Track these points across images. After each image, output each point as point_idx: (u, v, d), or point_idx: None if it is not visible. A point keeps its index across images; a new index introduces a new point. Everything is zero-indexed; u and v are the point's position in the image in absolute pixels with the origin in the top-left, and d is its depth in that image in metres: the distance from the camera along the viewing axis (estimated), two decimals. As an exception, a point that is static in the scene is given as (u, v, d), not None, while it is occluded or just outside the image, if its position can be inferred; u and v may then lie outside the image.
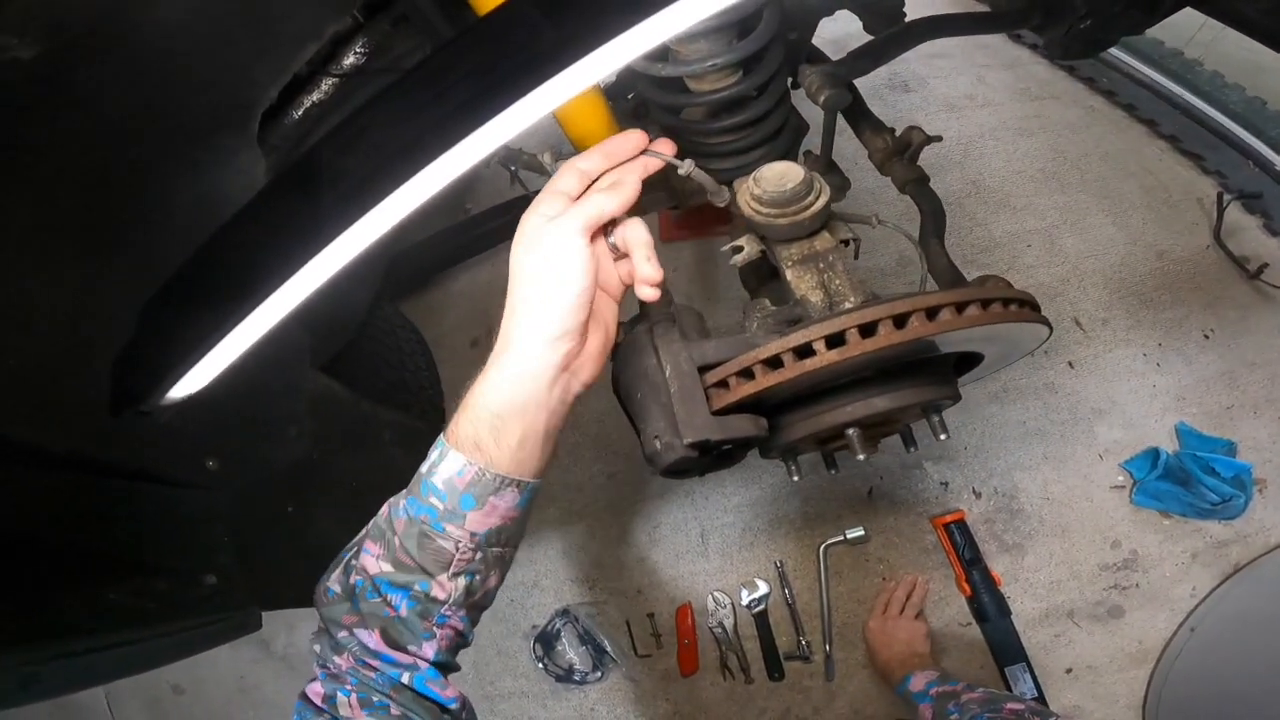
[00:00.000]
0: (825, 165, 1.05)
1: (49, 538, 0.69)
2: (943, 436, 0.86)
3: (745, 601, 1.51)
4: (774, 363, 0.73)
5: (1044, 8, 1.11)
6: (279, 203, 0.51)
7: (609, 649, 1.52)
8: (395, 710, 0.55)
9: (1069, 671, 1.42)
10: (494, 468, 0.55)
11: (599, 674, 1.53)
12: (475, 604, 0.61)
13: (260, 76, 0.76)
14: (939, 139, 1.06)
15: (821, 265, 0.84)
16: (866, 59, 1.03)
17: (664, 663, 1.53)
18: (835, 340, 0.71)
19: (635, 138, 0.61)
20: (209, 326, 0.50)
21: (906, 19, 1.15)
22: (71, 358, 0.68)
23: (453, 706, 0.60)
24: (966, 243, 1.67)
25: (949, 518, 1.46)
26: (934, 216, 1.04)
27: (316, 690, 0.58)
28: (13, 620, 0.63)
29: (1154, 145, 1.75)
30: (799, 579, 1.52)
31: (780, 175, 0.82)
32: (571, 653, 1.53)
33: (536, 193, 0.58)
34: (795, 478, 0.95)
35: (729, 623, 1.51)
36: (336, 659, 0.58)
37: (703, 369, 0.78)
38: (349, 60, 0.92)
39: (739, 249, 0.86)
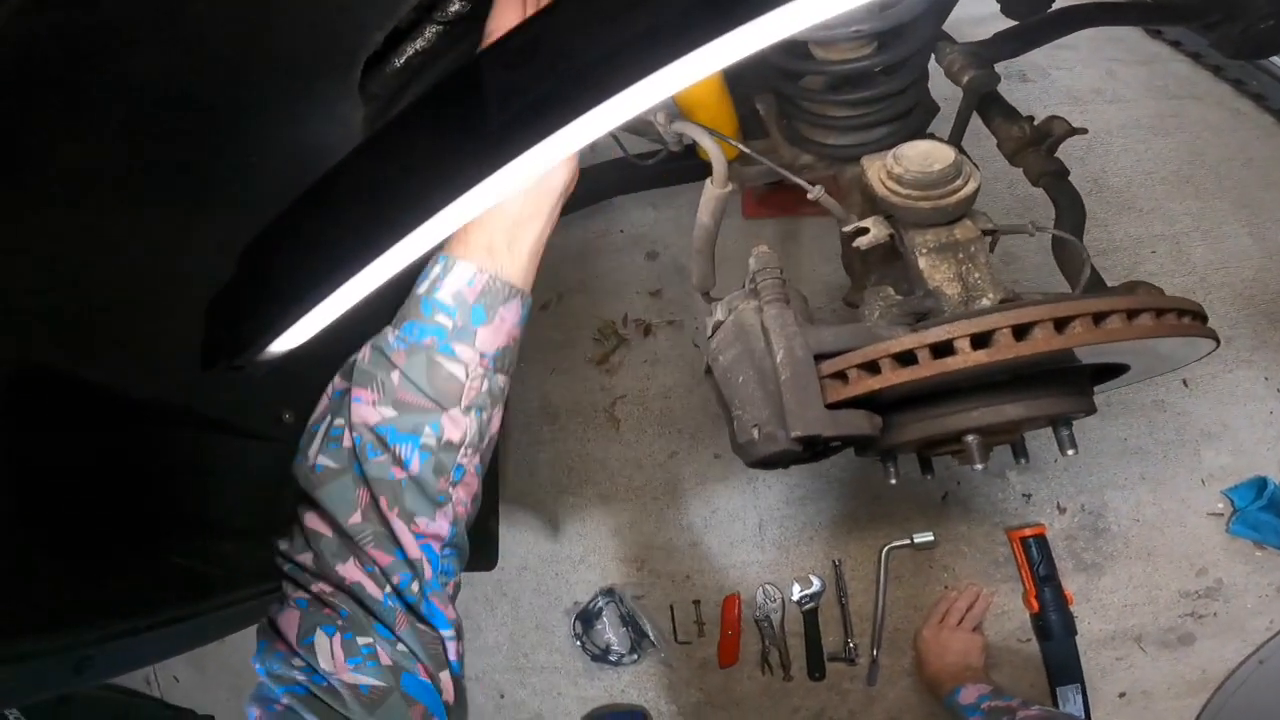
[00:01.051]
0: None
1: (112, 496, 0.64)
2: (1070, 452, 0.79)
3: (796, 597, 1.46)
4: (905, 359, 0.66)
5: (1226, 4, 0.99)
6: (421, 129, 0.44)
7: (649, 632, 1.49)
8: (386, 659, 0.49)
9: (1122, 696, 1.36)
10: (504, 275, 0.54)
11: (635, 656, 1.50)
12: (484, 455, 0.57)
13: (367, 20, 0.70)
14: (1084, 131, 0.97)
15: (960, 256, 0.77)
16: (1015, 42, 0.93)
17: (703, 651, 1.50)
18: (981, 340, 0.63)
19: None
20: (324, 275, 0.44)
21: (1055, 4, 1.04)
22: (158, 303, 0.63)
23: (446, 632, 0.53)
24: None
25: (1028, 531, 1.38)
26: (1073, 213, 0.94)
27: (291, 622, 0.50)
28: (68, 598, 0.58)
29: None
30: (856, 580, 1.46)
31: (925, 155, 0.75)
32: (610, 633, 1.50)
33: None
34: (893, 480, 0.89)
35: (776, 617, 1.47)
36: (341, 567, 0.50)
37: (819, 358, 0.71)
38: (454, 7, 0.87)
39: (863, 230, 0.79)
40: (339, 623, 0.49)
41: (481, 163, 0.37)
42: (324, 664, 0.48)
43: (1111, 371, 0.82)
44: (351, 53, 0.72)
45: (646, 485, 1.57)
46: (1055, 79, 1.73)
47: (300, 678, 0.47)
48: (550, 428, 1.63)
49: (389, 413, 0.52)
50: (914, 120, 0.94)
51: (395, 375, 0.52)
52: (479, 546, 1.34)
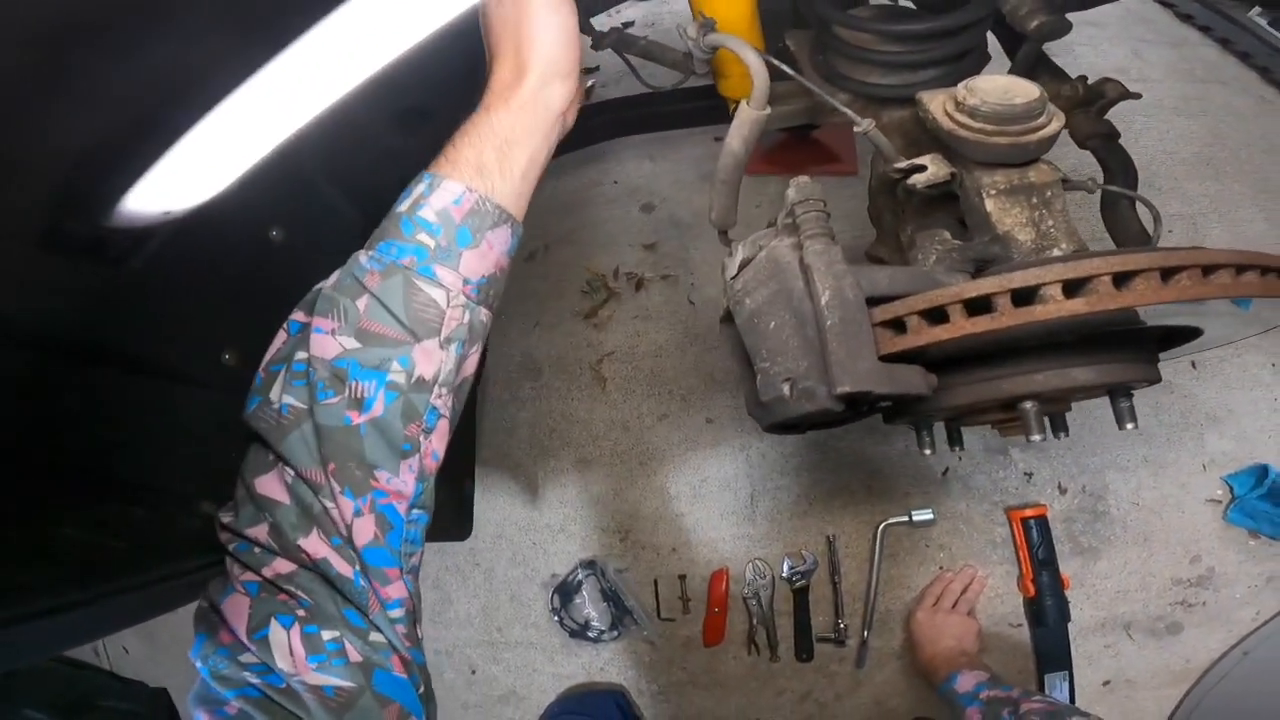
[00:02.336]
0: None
1: None
2: (1129, 425, 0.71)
3: (787, 573, 1.40)
4: (980, 305, 0.57)
5: None
6: None
7: (631, 608, 1.41)
8: (355, 654, 0.42)
9: (1106, 684, 1.34)
10: (495, 196, 0.50)
11: (615, 633, 1.43)
12: (460, 391, 0.50)
13: None
14: (1137, 96, 0.91)
15: (1035, 200, 0.68)
16: None
17: (688, 629, 1.43)
18: (1076, 286, 0.54)
19: None
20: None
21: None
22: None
23: (395, 611, 0.45)
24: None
25: (1029, 512, 1.33)
26: (1125, 175, 0.88)
27: (238, 611, 0.42)
28: None
29: None
30: (849, 557, 1.40)
31: (1005, 89, 0.66)
32: (590, 608, 1.42)
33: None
34: (928, 451, 0.80)
35: (765, 594, 1.41)
36: (303, 540, 0.42)
37: (870, 302, 0.61)
38: None
39: (919, 168, 0.69)
40: (299, 613, 0.42)
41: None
42: (281, 662, 0.41)
43: (1174, 339, 0.74)
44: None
45: (633, 450, 1.48)
46: (1080, 55, 1.69)
47: (252, 679, 0.41)
48: (532, 385, 1.52)
49: (350, 344, 0.44)
50: (967, 64, 0.85)
51: (364, 300, 0.45)
52: (452, 514, 1.24)
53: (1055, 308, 0.53)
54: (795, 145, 1.54)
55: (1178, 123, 1.60)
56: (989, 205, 0.67)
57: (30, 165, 0.47)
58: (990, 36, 0.92)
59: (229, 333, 0.71)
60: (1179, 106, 1.62)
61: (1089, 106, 0.91)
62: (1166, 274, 0.53)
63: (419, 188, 0.49)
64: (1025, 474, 1.38)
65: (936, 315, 0.59)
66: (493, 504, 1.50)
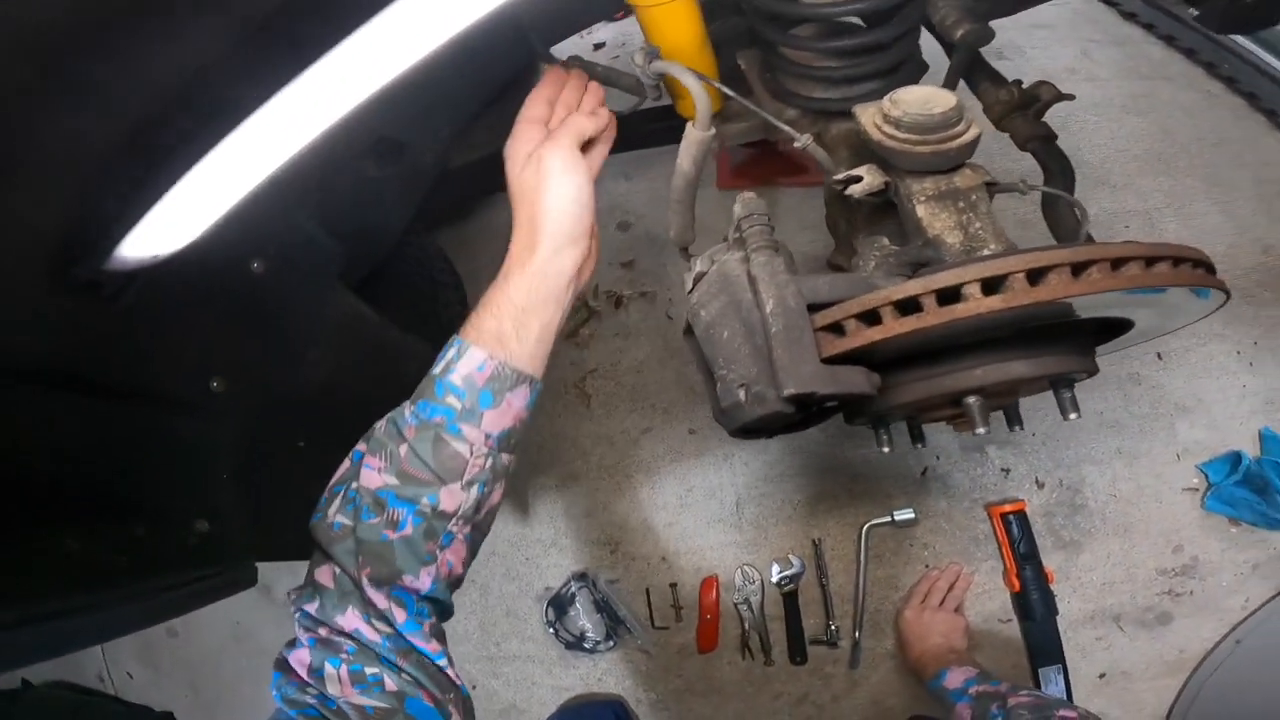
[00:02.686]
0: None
1: None
2: (1073, 415, 0.74)
3: (776, 578, 1.42)
4: (909, 307, 0.61)
5: None
6: None
7: (625, 618, 1.43)
8: (391, 685, 0.53)
9: (1102, 676, 1.35)
10: (513, 361, 0.58)
11: (611, 643, 1.45)
12: (479, 524, 0.61)
13: None
14: (1071, 97, 0.94)
15: (961, 204, 0.72)
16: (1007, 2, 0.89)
17: (682, 637, 1.45)
18: (993, 284, 0.58)
19: (576, 78, 0.72)
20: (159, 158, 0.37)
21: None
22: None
23: (440, 661, 0.58)
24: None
25: (1008, 507, 1.36)
26: (1064, 176, 0.92)
27: (302, 660, 0.55)
28: None
29: (1273, 137, 1.62)
30: (836, 559, 1.43)
31: (925, 99, 0.70)
32: (585, 620, 1.44)
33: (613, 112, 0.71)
34: (885, 449, 0.84)
35: (756, 600, 1.43)
36: (340, 618, 0.55)
37: (811, 309, 0.65)
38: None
39: (855, 179, 0.73)
40: (344, 656, 0.54)
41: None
42: (333, 689, 0.52)
43: (1109, 331, 0.78)
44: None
45: (619, 463, 1.51)
46: (1031, 57, 1.74)
47: (312, 701, 0.52)
48: None
49: (391, 480, 0.56)
50: (903, 75, 0.89)
51: (404, 448, 0.56)
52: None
53: (975, 305, 0.57)
54: (767, 159, 1.59)
55: (1128, 120, 1.64)
56: (920, 211, 0.71)
57: (29, 217, 0.52)
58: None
59: (216, 361, 0.76)
60: (1128, 104, 1.66)
61: (1026, 110, 0.95)
62: (1077, 269, 0.57)
63: (450, 352, 0.58)
64: (1003, 470, 1.40)
65: (871, 317, 0.63)
66: (487, 521, 1.54)
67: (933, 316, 0.59)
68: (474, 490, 0.58)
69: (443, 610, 0.62)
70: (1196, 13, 1.01)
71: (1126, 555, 1.37)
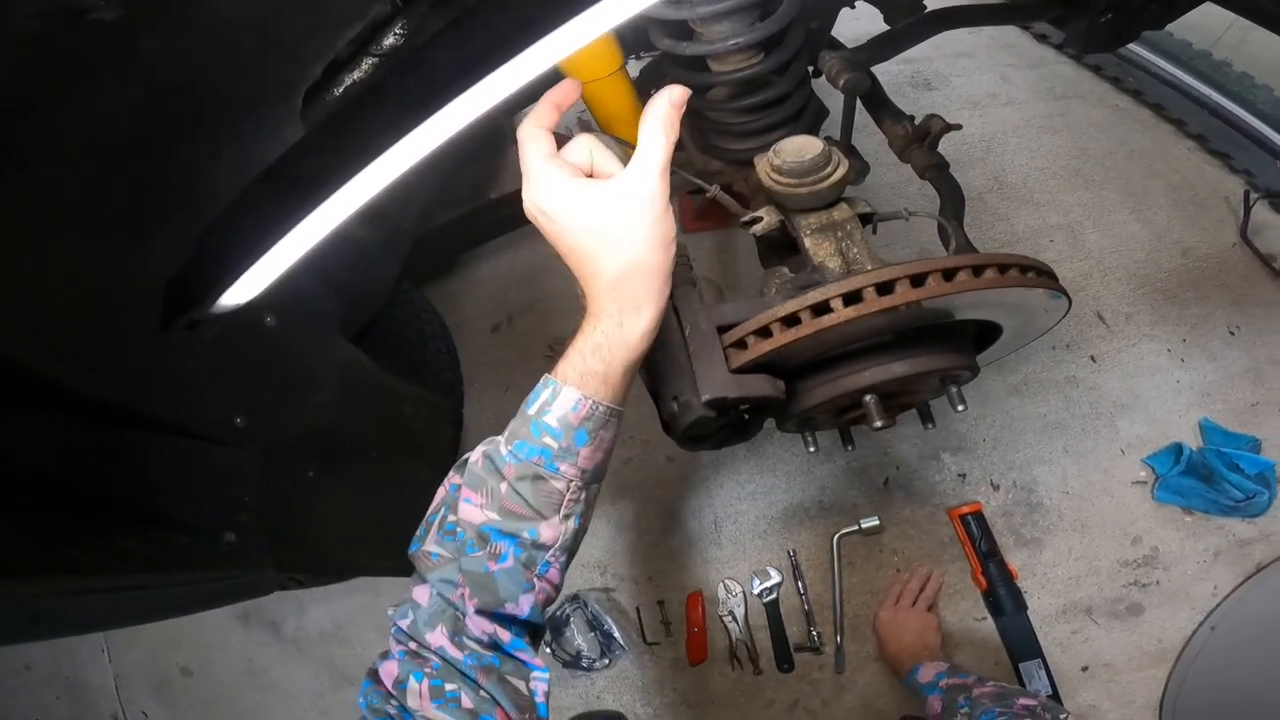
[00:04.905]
0: (846, 149, 1.08)
1: (69, 480, 0.71)
2: (960, 408, 0.87)
3: (756, 590, 1.51)
4: (791, 320, 0.75)
5: (1063, 1, 1.13)
6: (334, 125, 0.54)
7: (618, 636, 1.52)
8: (468, 703, 0.55)
9: (1085, 670, 1.40)
10: (604, 400, 0.60)
11: (606, 661, 1.52)
12: (572, 549, 0.64)
13: (307, 54, 0.80)
14: (958, 127, 1.08)
15: (839, 234, 0.86)
16: (885, 46, 1.06)
17: (673, 651, 1.52)
18: (852, 298, 0.73)
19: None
20: (261, 227, 0.53)
21: (926, 10, 1.18)
22: (114, 300, 0.71)
23: (537, 672, 0.61)
24: (988, 237, 1.68)
25: (965, 509, 1.46)
26: (954, 200, 1.06)
27: (390, 671, 0.58)
28: (23, 550, 0.64)
29: (1181, 144, 1.75)
30: (812, 569, 1.51)
31: (799, 148, 0.85)
32: (580, 639, 1.52)
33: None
34: (811, 449, 0.96)
35: (739, 611, 1.51)
36: (429, 634, 0.58)
37: (722, 329, 0.80)
38: (388, 41, 0.97)
39: (757, 219, 0.89)
40: (428, 670, 0.56)
41: (371, 142, 0.46)
42: (412, 702, 0.55)
43: (992, 335, 0.92)
44: (293, 83, 0.82)
45: (603, 492, 1.57)
46: (956, 85, 1.90)
47: (392, 712, 0.55)
48: None
49: (494, 516, 0.59)
50: (804, 123, 1.04)
51: (504, 487, 0.59)
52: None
53: (836, 316, 0.71)
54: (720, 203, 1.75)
55: (1046, 139, 1.78)
56: (807, 243, 0.86)
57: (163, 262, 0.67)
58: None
59: (239, 401, 0.91)
60: (1045, 124, 1.81)
61: (922, 142, 1.08)
62: (916, 279, 0.72)
63: (545, 393, 0.60)
64: (959, 475, 1.50)
65: (765, 333, 0.77)
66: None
67: (807, 328, 0.73)
68: (571, 522, 0.61)
69: (536, 629, 0.65)
70: (1064, 36, 1.16)
71: (1087, 549, 1.44)
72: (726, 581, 1.53)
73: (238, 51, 0.74)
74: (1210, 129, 1.81)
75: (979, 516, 1.45)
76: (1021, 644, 1.41)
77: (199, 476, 0.84)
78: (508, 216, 1.69)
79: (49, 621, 0.66)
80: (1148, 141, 1.76)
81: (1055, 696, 1.37)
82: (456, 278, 1.84)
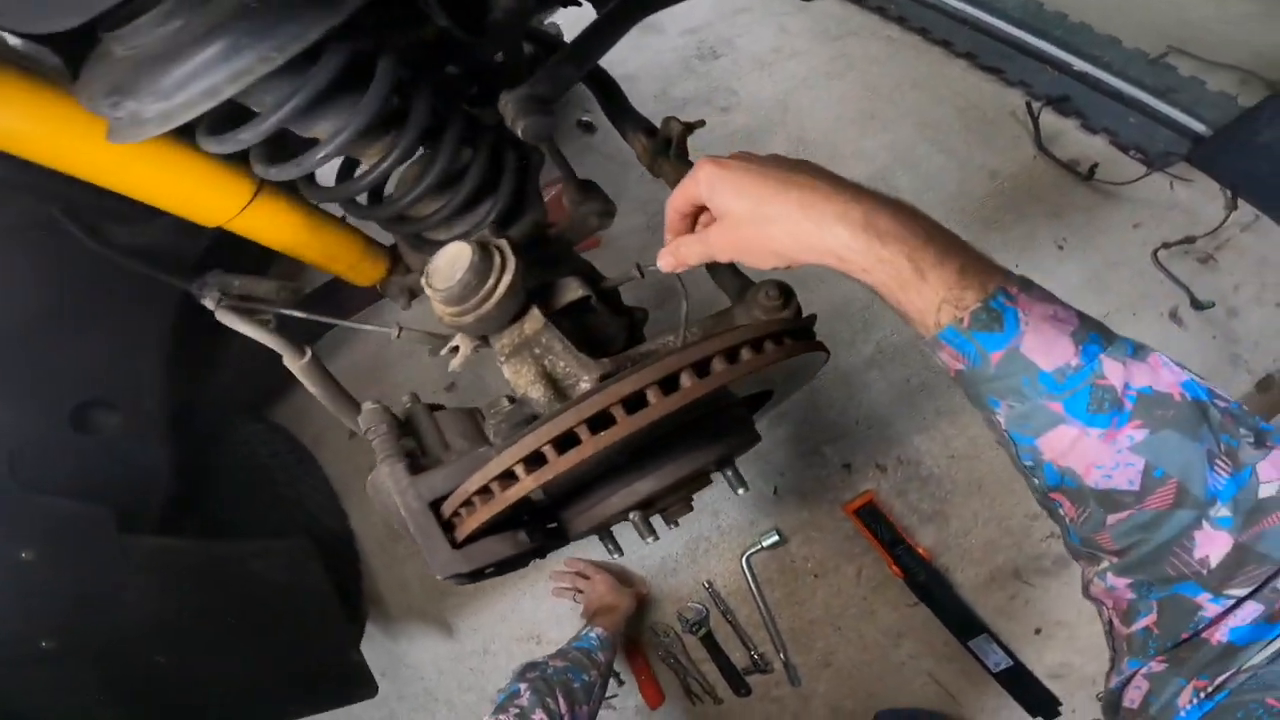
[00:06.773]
0: (579, 193, 0.91)
1: None
2: (740, 491, 0.76)
3: (686, 628, 1.43)
4: (509, 475, 0.63)
5: None
6: None
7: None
8: None
9: (1039, 632, 1.31)
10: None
11: (571, 722, 1.46)
12: (592, 708, 1.07)
13: None
14: (701, 124, 0.91)
15: (537, 351, 0.71)
16: (569, 66, 0.77)
17: (632, 699, 1.45)
18: (568, 442, 0.60)
19: None
20: None
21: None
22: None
23: None
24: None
25: (857, 502, 1.36)
26: None
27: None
28: None
29: (954, 65, 1.63)
30: (732, 594, 1.43)
31: (450, 263, 0.67)
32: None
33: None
34: (616, 556, 0.86)
35: (676, 649, 1.43)
36: None
37: (439, 501, 0.68)
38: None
39: (455, 349, 0.75)
40: None
41: None
42: None
43: (766, 396, 0.80)
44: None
45: (524, 568, 1.52)
46: (741, 47, 1.74)
47: None
48: (406, 543, 1.57)
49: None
50: (506, 186, 0.79)
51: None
52: (349, 679, 1.32)
53: (553, 466, 0.58)
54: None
55: (835, 86, 1.64)
56: (506, 372, 0.71)
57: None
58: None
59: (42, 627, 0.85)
60: (830, 70, 1.66)
61: (668, 151, 0.90)
62: (630, 404, 0.58)
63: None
64: (844, 466, 1.40)
65: (485, 493, 0.65)
66: (423, 647, 1.55)
67: (526, 485, 0.59)
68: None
69: None
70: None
71: (992, 510, 1.34)
72: (654, 624, 1.44)
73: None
74: (977, 44, 1.70)
75: (871, 507, 1.35)
76: (962, 622, 1.31)
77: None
78: (333, 306, 1.52)
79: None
80: (925, 68, 1.64)
81: (1018, 664, 1.27)
82: (297, 390, 1.68)
